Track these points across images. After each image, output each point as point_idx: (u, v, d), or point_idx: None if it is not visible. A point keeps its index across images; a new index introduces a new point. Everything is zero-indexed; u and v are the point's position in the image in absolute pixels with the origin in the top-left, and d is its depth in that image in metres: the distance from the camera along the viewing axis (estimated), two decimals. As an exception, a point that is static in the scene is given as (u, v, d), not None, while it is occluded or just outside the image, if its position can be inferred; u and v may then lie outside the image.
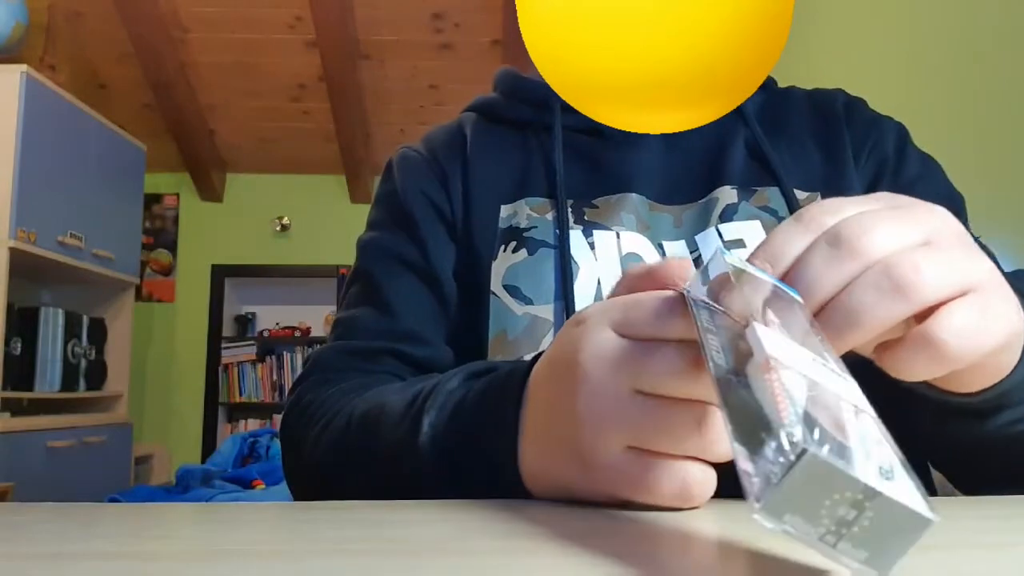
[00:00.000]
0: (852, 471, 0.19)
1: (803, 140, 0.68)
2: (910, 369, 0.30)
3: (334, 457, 0.52)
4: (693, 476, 0.33)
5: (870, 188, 0.64)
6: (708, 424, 0.32)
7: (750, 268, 0.31)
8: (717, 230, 0.61)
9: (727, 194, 0.64)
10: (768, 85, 0.73)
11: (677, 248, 0.63)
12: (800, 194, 0.63)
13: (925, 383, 0.39)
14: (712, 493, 0.34)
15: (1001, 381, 0.38)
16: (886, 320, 0.29)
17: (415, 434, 0.44)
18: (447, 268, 0.66)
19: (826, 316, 0.29)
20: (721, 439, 0.32)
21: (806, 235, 0.31)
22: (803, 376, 0.23)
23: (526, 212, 0.65)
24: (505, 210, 0.66)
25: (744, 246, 0.60)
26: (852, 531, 0.20)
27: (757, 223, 0.61)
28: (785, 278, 0.31)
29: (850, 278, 0.29)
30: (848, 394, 0.24)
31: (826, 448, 0.19)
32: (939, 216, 0.32)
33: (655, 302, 0.33)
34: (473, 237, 0.66)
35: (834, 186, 0.64)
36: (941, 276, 0.29)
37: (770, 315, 0.27)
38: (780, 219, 0.61)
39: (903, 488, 0.20)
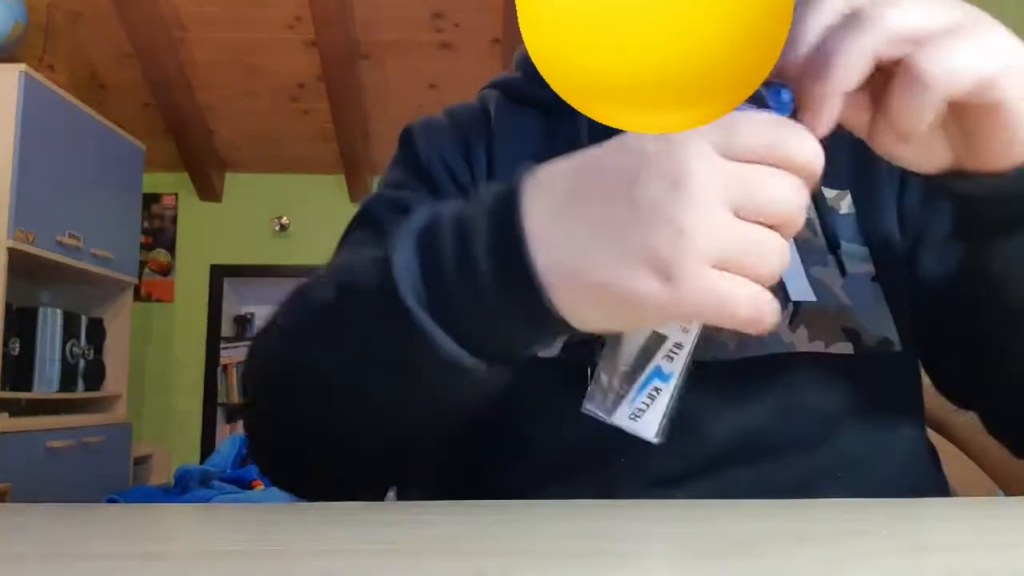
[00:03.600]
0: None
1: (833, 134, 0.67)
2: (904, 109, 0.32)
3: (302, 336, 0.49)
4: (766, 302, 0.35)
5: (901, 185, 0.64)
6: (787, 255, 0.35)
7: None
8: None
9: None
10: None
11: None
12: (828, 192, 0.62)
13: (958, 176, 0.41)
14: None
15: None
16: (853, 54, 0.31)
17: (388, 258, 0.41)
18: None
19: (809, 64, 0.32)
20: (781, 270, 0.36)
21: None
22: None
23: None
24: None
25: None
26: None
27: None
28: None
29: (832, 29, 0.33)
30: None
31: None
32: None
33: (761, 124, 0.36)
34: None
35: (864, 184, 0.63)
36: (913, 15, 0.31)
37: None
38: (807, 218, 0.61)
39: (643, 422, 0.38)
